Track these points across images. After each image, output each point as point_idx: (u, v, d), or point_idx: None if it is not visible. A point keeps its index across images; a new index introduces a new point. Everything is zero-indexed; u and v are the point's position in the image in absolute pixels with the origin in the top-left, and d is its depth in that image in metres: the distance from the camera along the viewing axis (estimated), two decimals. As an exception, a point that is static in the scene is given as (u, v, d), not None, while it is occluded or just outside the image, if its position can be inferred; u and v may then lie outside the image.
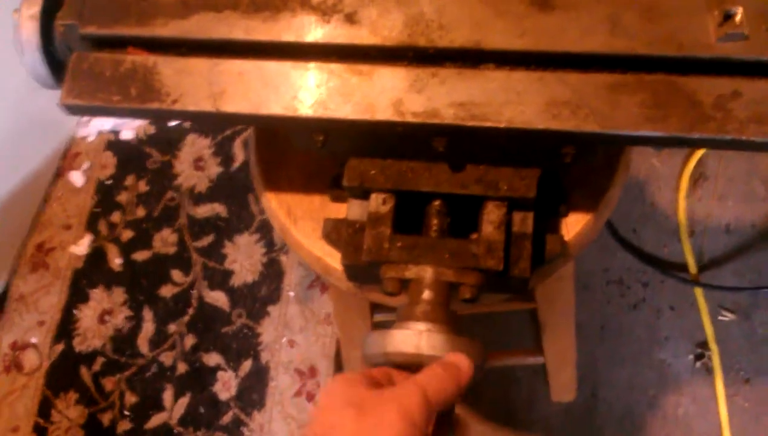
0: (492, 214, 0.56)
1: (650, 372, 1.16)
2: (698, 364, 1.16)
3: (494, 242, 0.56)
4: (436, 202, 0.58)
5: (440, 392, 0.47)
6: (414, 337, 0.52)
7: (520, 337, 1.19)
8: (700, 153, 1.31)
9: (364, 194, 0.59)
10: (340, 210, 0.65)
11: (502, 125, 0.52)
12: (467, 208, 0.59)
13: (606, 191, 0.64)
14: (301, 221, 0.66)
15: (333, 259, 0.64)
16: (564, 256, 0.61)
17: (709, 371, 1.15)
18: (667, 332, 1.19)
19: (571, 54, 0.53)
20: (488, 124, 0.52)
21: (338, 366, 1.20)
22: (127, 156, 1.42)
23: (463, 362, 0.51)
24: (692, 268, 1.22)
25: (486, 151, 0.56)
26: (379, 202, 0.58)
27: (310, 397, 1.20)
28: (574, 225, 0.63)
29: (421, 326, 0.53)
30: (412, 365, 0.53)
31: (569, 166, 0.54)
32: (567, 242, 0.61)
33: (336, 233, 0.62)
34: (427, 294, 0.55)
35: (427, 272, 0.55)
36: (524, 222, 0.57)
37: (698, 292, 1.20)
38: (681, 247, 1.24)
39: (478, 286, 0.55)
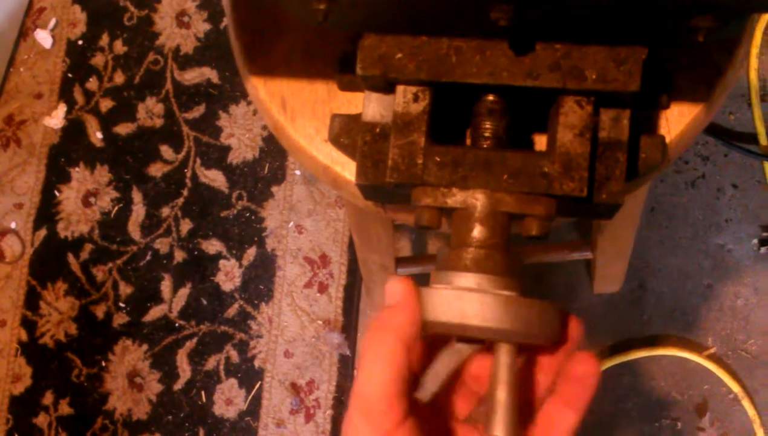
0: (572, 116, 0.39)
1: (706, 259, 1.03)
2: (763, 250, 1.02)
3: (575, 156, 0.39)
4: (490, 98, 0.41)
5: None
6: (464, 300, 0.36)
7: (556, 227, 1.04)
8: (779, -2, 1.09)
9: (386, 87, 0.42)
10: (354, 101, 0.48)
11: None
12: (532, 106, 0.42)
13: (724, 72, 0.46)
14: (301, 117, 0.49)
15: (345, 168, 0.48)
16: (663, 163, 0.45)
17: (775, 257, 1.01)
18: (728, 213, 1.04)
19: None
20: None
21: (352, 256, 1.07)
22: (99, 11, 1.21)
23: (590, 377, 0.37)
24: (762, 139, 1.05)
25: (568, 21, 0.38)
26: (408, 100, 0.41)
27: (322, 288, 1.08)
28: (677, 121, 0.45)
29: (472, 280, 0.38)
30: (459, 337, 0.38)
31: (701, 45, 0.36)
32: (668, 144, 0.45)
33: (348, 135, 0.45)
34: (478, 231, 0.39)
35: (479, 200, 0.39)
36: (617, 125, 0.40)
37: (768, 167, 1.04)
38: (750, 114, 1.06)
39: (550, 217, 0.40)
